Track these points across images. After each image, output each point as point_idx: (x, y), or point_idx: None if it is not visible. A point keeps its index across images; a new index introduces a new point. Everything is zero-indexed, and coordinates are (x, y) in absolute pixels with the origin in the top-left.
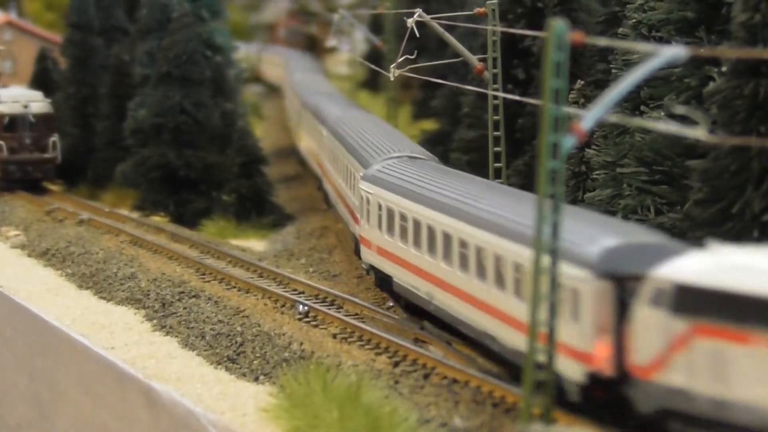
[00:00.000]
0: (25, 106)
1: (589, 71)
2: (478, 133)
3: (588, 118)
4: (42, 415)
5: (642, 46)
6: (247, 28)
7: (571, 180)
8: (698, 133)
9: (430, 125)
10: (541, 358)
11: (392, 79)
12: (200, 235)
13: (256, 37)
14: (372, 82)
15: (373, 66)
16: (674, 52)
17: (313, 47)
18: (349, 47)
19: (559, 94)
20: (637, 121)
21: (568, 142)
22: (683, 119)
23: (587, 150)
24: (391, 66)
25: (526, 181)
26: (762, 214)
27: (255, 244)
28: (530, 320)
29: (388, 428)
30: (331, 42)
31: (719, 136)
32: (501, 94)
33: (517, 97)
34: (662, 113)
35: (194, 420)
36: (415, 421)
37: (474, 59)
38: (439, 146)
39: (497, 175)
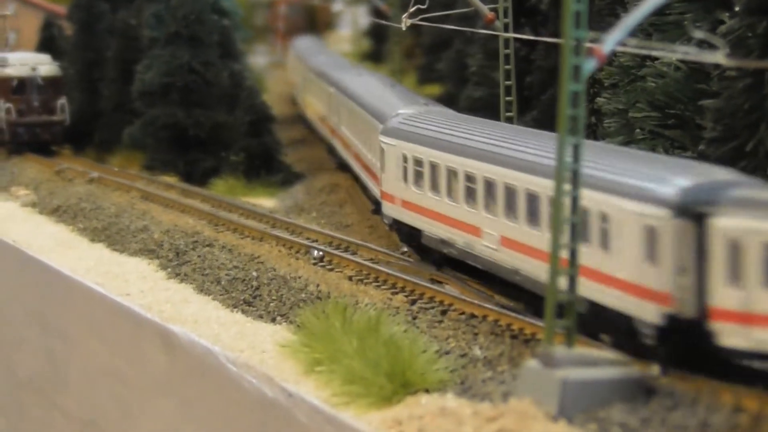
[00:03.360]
0: (34, 69)
1: (600, 25)
2: (486, 91)
3: (609, 41)
4: (54, 366)
5: None
6: (247, 6)
7: None
8: (717, 57)
9: (435, 90)
10: (562, 283)
11: (404, 29)
12: (210, 192)
13: (256, 15)
14: (375, 55)
15: (382, 21)
16: None
17: (314, 25)
18: (350, 17)
19: (580, 18)
20: (656, 50)
21: (589, 65)
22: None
23: (598, 99)
24: (403, 16)
25: None
26: None
27: (264, 201)
28: (552, 244)
29: (409, 358)
30: (337, 6)
31: (736, 61)
32: (514, 35)
33: (531, 37)
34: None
35: (213, 359)
36: (435, 352)
37: (485, 8)
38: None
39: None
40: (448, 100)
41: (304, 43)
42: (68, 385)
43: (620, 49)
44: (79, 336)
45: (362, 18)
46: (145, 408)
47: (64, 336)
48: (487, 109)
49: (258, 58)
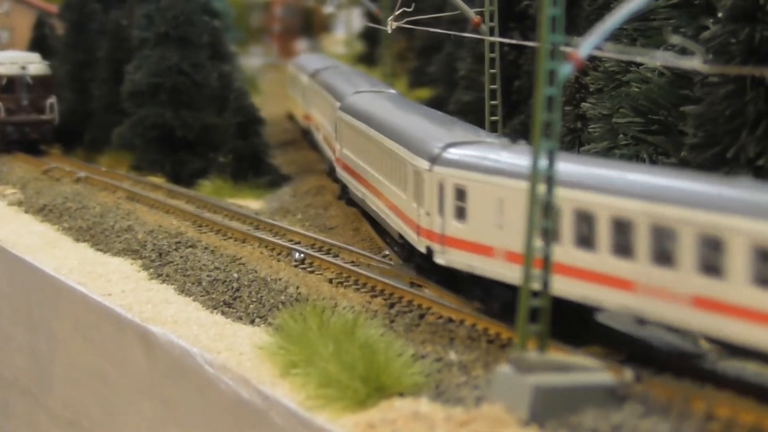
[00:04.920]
0: (23, 68)
1: (586, 30)
2: (475, 95)
3: (585, 45)
4: (39, 365)
5: None
6: (242, 6)
7: (566, 136)
8: (694, 63)
9: (425, 93)
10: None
11: (389, 31)
12: (197, 193)
13: (252, 16)
14: (369, 57)
15: (374, 25)
16: None
17: (310, 27)
18: (345, 19)
19: (555, 22)
20: (635, 55)
21: (565, 70)
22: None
23: (583, 104)
24: (389, 18)
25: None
26: (756, 158)
27: (251, 202)
28: (525, 247)
29: (384, 362)
30: (329, 8)
31: (715, 67)
32: (498, 39)
33: (514, 41)
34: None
35: (191, 360)
36: (411, 356)
37: (471, 12)
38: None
39: (493, 128)
40: (438, 104)
41: (321, 62)
42: (53, 385)
43: (598, 53)
44: (63, 335)
45: (356, 20)
46: (126, 408)
47: (49, 336)
48: (475, 113)
49: (253, 59)
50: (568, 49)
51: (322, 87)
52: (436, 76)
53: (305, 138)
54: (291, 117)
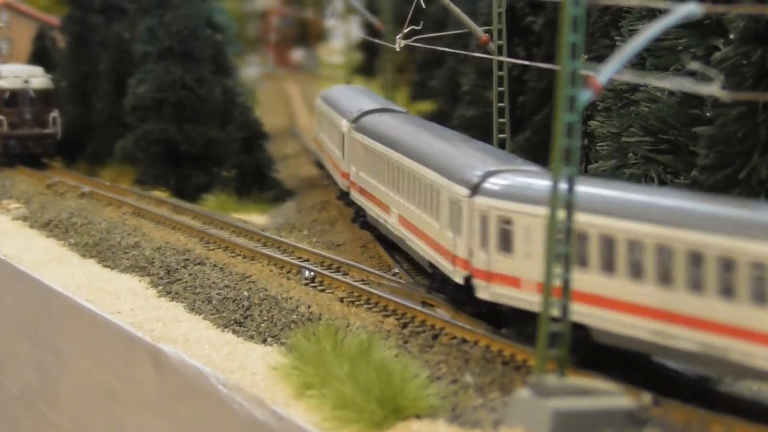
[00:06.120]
0: (26, 82)
1: (593, 47)
2: (479, 110)
3: (604, 72)
4: (45, 381)
5: (656, 3)
6: (239, 16)
7: None
8: (712, 89)
9: (427, 106)
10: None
11: (398, 49)
12: (202, 208)
13: (249, 26)
14: (367, 68)
15: (375, 40)
16: (689, 9)
17: (306, 35)
18: (342, 30)
19: (576, 49)
20: (651, 80)
21: (585, 96)
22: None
23: (591, 122)
24: (397, 36)
25: (527, 156)
26: None
27: (256, 218)
28: (545, 273)
29: (401, 384)
30: (329, 22)
31: (731, 94)
32: (507, 59)
33: (525, 62)
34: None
35: (203, 379)
36: (426, 377)
37: (479, 30)
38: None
39: (501, 146)
40: (441, 118)
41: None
42: (59, 401)
43: (616, 77)
44: (70, 352)
45: (354, 30)
46: (135, 426)
47: (55, 351)
48: (479, 128)
49: (250, 69)
50: (587, 72)
51: (398, 150)
52: (438, 90)
53: (345, 201)
54: (320, 165)
